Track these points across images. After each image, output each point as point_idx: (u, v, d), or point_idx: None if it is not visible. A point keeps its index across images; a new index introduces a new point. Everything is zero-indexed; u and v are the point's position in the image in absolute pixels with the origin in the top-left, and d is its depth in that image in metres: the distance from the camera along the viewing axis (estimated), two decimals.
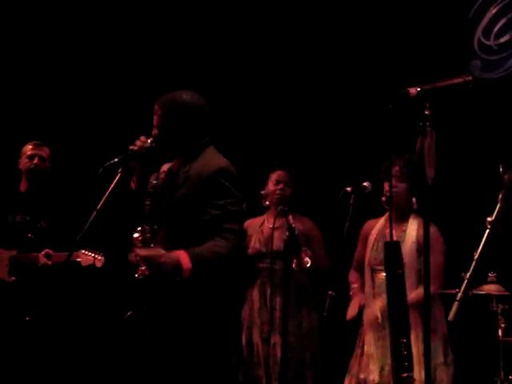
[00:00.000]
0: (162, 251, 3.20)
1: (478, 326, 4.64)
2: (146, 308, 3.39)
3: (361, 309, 4.57)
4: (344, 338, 4.75)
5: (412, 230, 4.47)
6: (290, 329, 4.55)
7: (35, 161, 5.12)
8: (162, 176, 3.55)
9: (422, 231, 4.42)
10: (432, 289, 4.23)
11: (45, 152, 5.17)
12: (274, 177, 5.04)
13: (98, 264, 4.90)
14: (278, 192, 5.00)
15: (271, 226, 4.89)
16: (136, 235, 3.39)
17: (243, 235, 3.50)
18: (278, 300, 4.85)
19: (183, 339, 3.27)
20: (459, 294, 3.57)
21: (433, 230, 4.29)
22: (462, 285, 3.69)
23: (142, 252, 3.25)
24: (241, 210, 3.37)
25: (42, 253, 4.91)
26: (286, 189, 5.02)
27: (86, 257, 4.86)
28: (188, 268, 3.16)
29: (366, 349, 4.46)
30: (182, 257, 3.18)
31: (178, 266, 3.16)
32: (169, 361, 3.29)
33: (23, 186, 5.19)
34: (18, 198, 5.16)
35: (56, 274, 4.92)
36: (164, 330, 3.32)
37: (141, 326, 3.40)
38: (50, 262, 4.89)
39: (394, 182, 4.43)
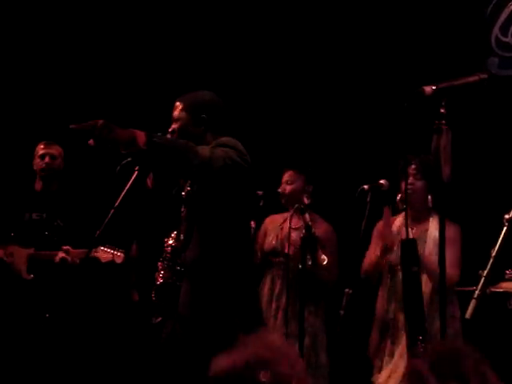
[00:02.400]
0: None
1: (496, 323, 4.63)
2: (169, 312, 3.41)
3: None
4: (362, 336, 4.74)
5: (434, 228, 4.43)
6: (292, 330, 4.56)
7: (46, 160, 5.14)
8: None
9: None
10: (454, 271, 4.21)
11: (56, 150, 5.20)
12: (284, 178, 5.03)
13: (118, 260, 4.91)
14: None
15: (292, 226, 4.89)
16: (170, 241, 3.42)
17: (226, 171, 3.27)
18: (284, 300, 4.81)
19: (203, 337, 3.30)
20: (476, 292, 3.54)
21: (454, 229, 4.31)
22: (479, 282, 3.67)
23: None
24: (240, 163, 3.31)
25: (62, 251, 4.94)
26: None
27: (105, 253, 4.88)
28: (142, 140, 3.08)
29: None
30: (138, 132, 3.12)
31: (132, 136, 3.08)
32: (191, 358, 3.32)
33: (38, 185, 5.22)
34: (33, 197, 5.19)
35: (75, 271, 4.95)
36: (185, 329, 3.35)
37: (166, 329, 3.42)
38: (69, 258, 4.92)
39: (410, 180, 4.42)
